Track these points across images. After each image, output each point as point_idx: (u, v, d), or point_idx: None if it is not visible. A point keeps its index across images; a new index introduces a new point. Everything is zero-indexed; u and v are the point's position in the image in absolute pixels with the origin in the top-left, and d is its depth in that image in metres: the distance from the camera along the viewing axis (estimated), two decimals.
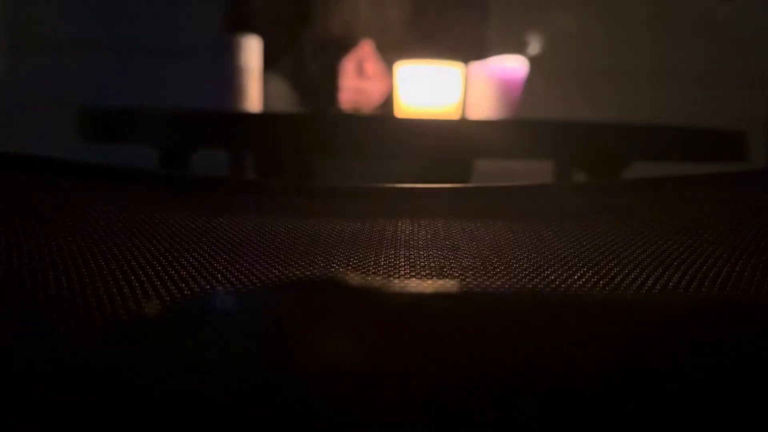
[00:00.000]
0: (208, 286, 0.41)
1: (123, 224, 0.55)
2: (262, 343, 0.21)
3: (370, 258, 0.47)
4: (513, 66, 1.45)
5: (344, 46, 1.65)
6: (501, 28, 1.93)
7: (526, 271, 0.45)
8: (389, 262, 0.46)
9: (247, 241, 0.51)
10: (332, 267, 0.46)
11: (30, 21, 2.33)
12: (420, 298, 0.24)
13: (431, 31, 1.74)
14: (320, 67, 1.67)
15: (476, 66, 1.46)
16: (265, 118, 1.43)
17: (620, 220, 0.62)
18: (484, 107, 1.44)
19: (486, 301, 0.24)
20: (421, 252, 0.49)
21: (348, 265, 0.46)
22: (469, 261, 0.47)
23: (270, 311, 0.23)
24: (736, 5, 2.32)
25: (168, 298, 0.39)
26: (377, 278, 0.43)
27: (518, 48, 1.49)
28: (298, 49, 1.72)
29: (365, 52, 1.61)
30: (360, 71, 1.61)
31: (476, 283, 0.43)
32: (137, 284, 0.40)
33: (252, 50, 1.42)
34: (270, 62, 1.59)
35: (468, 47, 1.67)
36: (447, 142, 1.35)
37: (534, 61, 1.50)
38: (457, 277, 0.44)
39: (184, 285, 0.41)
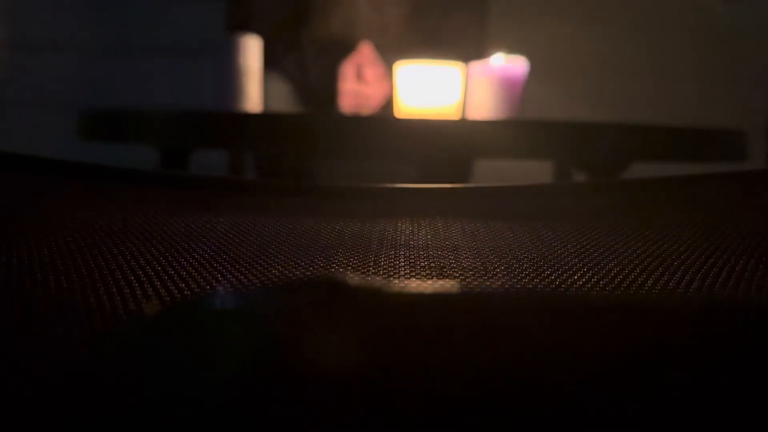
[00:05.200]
0: (208, 286, 0.41)
1: (123, 224, 0.55)
2: (262, 344, 0.21)
3: (370, 258, 0.47)
4: (513, 66, 1.45)
5: (345, 48, 1.65)
6: (501, 28, 1.93)
7: (526, 271, 0.45)
8: (389, 263, 0.46)
9: (247, 241, 0.51)
10: (332, 267, 0.46)
11: (30, 21, 2.33)
12: (420, 299, 0.24)
13: (431, 31, 1.74)
14: (321, 70, 1.67)
15: (476, 66, 1.46)
16: (265, 118, 1.43)
17: (620, 220, 0.62)
18: (484, 107, 1.44)
19: (486, 302, 0.24)
20: (421, 252, 0.49)
21: (348, 266, 0.46)
22: (469, 261, 0.47)
23: (270, 311, 0.23)
24: (737, 6, 2.32)
25: (168, 298, 0.39)
26: (377, 278, 0.43)
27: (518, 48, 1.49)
28: (299, 51, 1.72)
29: (365, 56, 1.61)
30: (359, 76, 1.61)
31: (476, 283, 0.43)
32: (137, 284, 0.40)
33: (252, 50, 1.42)
34: (271, 62, 1.59)
35: (468, 47, 1.67)
36: (447, 142, 1.35)
37: (534, 61, 1.50)
38: (457, 277, 0.44)
39: (184, 285, 0.41)
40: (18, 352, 0.32)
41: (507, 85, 1.43)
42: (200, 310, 0.25)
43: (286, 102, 1.75)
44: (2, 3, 2.32)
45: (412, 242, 0.52)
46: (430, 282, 0.43)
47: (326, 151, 1.56)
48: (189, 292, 0.40)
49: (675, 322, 0.22)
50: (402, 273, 0.44)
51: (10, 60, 2.32)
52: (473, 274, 0.44)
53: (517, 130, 1.36)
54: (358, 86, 1.61)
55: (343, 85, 1.60)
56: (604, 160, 1.37)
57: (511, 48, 1.50)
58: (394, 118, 1.46)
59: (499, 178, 1.98)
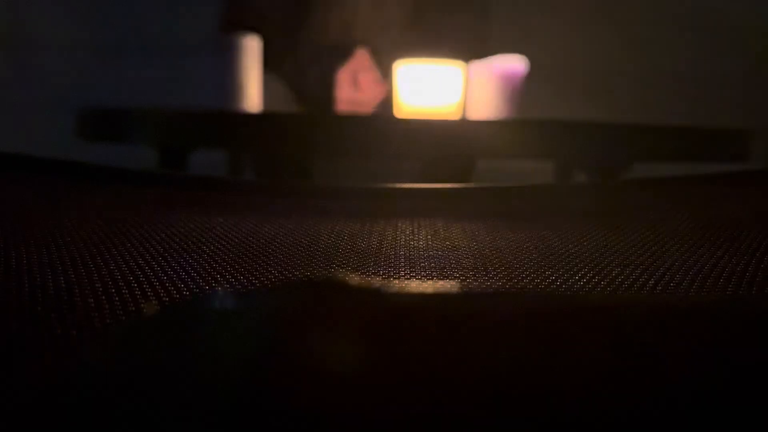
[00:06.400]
0: (208, 286, 0.41)
1: (122, 224, 0.55)
2: (261, 344, 0.21)
3: (370, 258, 0.47)
4: (513, 65, 1.45)
5: (341, 53, 1.65)
6: (501, 27, 1.93)
7: (526, 271, 0.45)
8: (389, 263, 0.46)
9: (247, 241, 0.51)
10: (332, 267, 0.45)
11: (29, 21, 2.33)
12: (420, 299, 0.24)
13: (432, 31, 1.74)
14: (318, 76, 1.67)
15: (477, 65, 1.46)
16: (265, 118, 1.43)
17: (620, 220, 0.62)
18: (484, 107, 1.44)
19: (487, 302, 0.24)
20: (421, 252, 0.49)
21: (348, 266, 0.46)
22: (469, 261, 0.47)
23: (269, 312, 0.23)
24: (737, 5, 2.32)
25: (167, 299, 0.39)
26: (377, 279, 0.43)
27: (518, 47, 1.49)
28: (297, 54, 1.72)
29: (360, 62, 1.61)
30: (355, 82, 1.61)
31: (476, 283, 0.43)
32: (136, 284, 0.40)
33: (252, 50, 1.42)
34: (269, 65, 1.59)
35: (469, 46, 1.67)
36: (447, 142, 1.35)
37: (534, 61, 1.50)
38: (458, 277, 0.44)
39: (183, 285, 0.41)
40: (17, 352, 0.32)
41: (507, 85, 1.43)
42: (199, 310, 0.25)
43: (285, 102, 1.75)
44: (2, 3, 2.32)
45: (412, 242, 0.52)
46: (430, 282, 0.43)
47: (326, 151, 1.56)
48: (189, 292, 0.40)
49: (676, 323, 0.22)
50: (402, 273, 0.44)
51: (10, 60, 2.32)
52: (473, 274, 0.44)
53: (517, 130, 1.35)
54: (353, 93, 1.61)
55: (339, 92, 1.60)
56: (604, 160, 1.37)
57: (511, 48, 1.50)
58: (394, 118, 1.46)
59: (499, 178, 1.98)
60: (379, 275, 0.44)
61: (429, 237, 0.53)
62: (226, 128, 1.40)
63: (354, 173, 1.72)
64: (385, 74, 1.61)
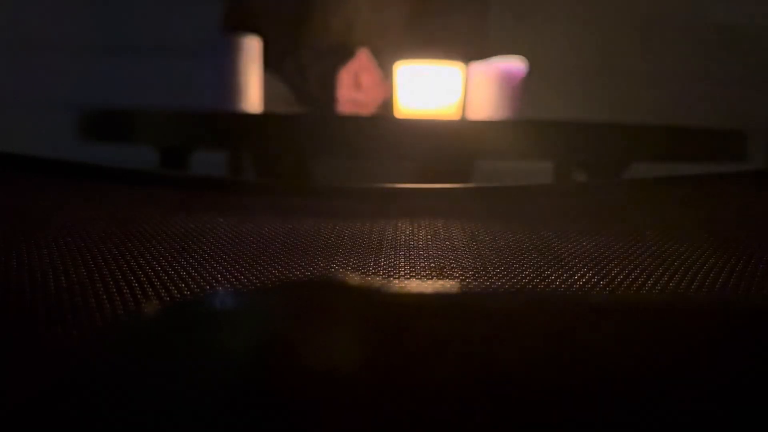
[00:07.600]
0: (208, 286, 0.41)
1: (122, 224, 0.55)
2: (261, 344, 0.21)
3: (370, 258, 0.47)
4: (513, 65, 1.45)
5: (342, 54, 1.65)
6: (501, 28, 1.93)
7: (526, 271, 0.45)
8: (389, 263, 0.46)
9: (247, 241, 0.51)
10: (332, 267, 0.46)
11: (29, 21, 2.33)
12: (420, 299, 0.24)
13: (432, 31, 1.74)
14: (319, 76, 1.67)
15: (476, 66, 1.46)
16: (265, 118, 1.43)
17: (620, 220, 0.62)
18: (484, 107, 1.44)
19: (486, 302, 0.24)
20: (421, 252, 0.49)
21: (348, 266, 0.46)
22: (469, 261, 0.47)
23: (269, 312, 0.23)
24: (737, 5, 2.32)
25: (168, 299, 0.39)
26: (377, 279, 0.43)
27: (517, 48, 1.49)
28: (297, 54, 1.72)
29: (362, 62, 1.61)
30: (356, 83, 1.61)
31: (476, 283, 0.43)
32: (137, 284, 0.40)
33: (252, 50, 1.42)
34: (270, 65, 1.59)
35: (468, 47, 1.67)
36: (447, 142, 1.35)
37: (534, 61, 1.50)
38: (457, 277, 0.44)
39: (184, 285, 0.41)
40: (17, 352, 0.32)
41: (507, 85, 1.43)
42: (200, 310, 0.25)
43: (285, 102, 1.75)
44: (2, 3, 2.32)
45: (412, 243, 0.52)
46: (430, 282, 0.43)
47: (325, 151, 1.56)
48: (189, 292, 0.40)
49: (676, 323, 0.22)
50: (402, 273, 0.44)
51: (10, 60, 2.32)
52: (473, 275, 0.44)
53: (517, 130, 1.35)
54: (355, 93, 1.61)
55: (340, 93, 1.60)
56: (604, 160, 1.37)
57: (511, 48, 1.50)
58: (394, 118, 1.46)
59: (499, 178, 1.98)
60: (379, 275, 0.44)
61: (429, 237, 0.53)
62: (226, 128, 1.40)
63: (354, 173, 1.72)
64: (386, 75, 1.61)
